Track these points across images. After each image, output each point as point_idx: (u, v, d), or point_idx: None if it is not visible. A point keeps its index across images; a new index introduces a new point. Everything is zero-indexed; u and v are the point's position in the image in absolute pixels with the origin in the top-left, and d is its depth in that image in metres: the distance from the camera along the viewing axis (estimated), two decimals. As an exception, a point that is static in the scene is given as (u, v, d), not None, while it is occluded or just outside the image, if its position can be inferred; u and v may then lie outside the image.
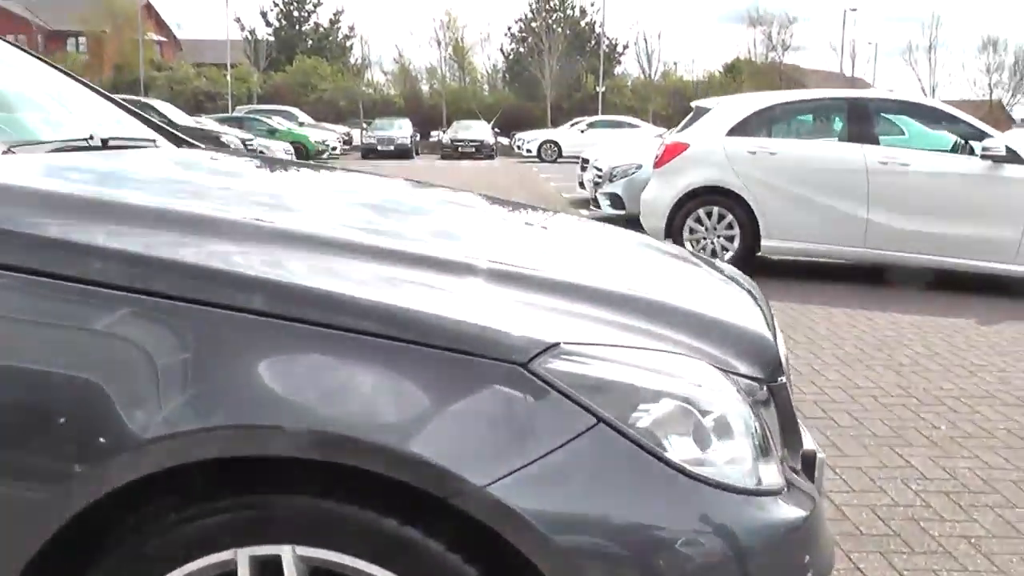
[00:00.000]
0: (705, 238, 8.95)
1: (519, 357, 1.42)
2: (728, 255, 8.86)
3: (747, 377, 1.67)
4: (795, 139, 8.99)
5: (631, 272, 2.20)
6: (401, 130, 37.94)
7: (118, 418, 1.34)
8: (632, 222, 12.22)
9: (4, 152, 1.91)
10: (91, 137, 2.30)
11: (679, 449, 1.47)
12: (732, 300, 2.13)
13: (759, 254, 8.88)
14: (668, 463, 1.44)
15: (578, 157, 31.25)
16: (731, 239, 8.86)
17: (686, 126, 9.43)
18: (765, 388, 1.74)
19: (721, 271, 2.53)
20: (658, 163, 9.31)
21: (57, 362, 1.38)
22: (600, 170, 13.56)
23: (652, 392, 1.49)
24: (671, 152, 9.15)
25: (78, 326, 1.40)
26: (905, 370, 5.59)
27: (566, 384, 1.42)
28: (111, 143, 2.37)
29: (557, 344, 1.45)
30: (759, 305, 2.27)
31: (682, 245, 8.97)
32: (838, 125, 9.13)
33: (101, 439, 1.34)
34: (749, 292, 2.36)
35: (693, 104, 9.91)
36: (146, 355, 1.37)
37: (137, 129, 2.87)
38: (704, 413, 1.53)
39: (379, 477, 1.36)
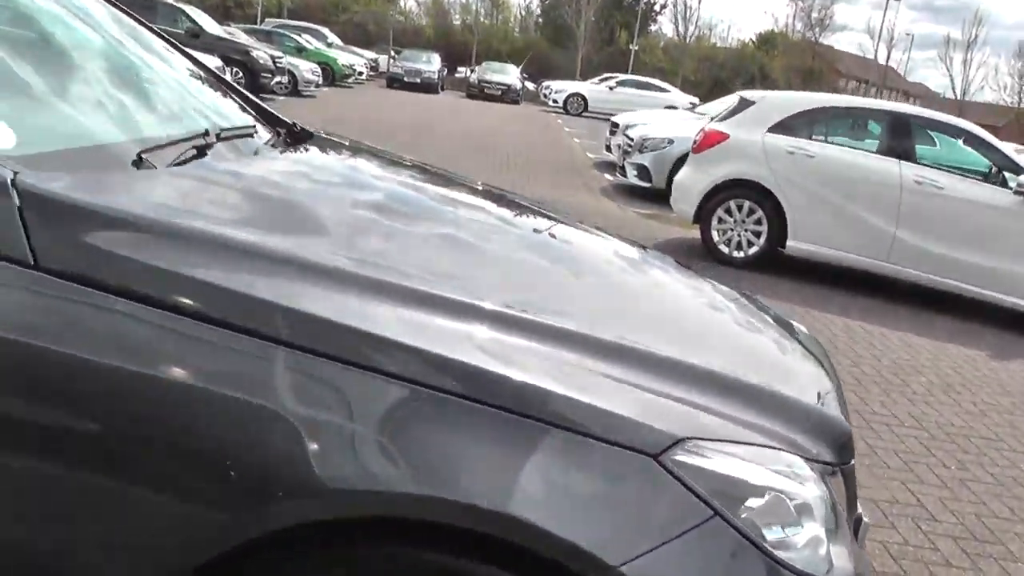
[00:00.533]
0: (732, 229, 9.01)
1: (651, 449, 1.53)
2: (753, 249, 8.95)
3: (825, 463, 1.79)
4: (835, 145, 9.00)
5: (713, 340, 2.28)
6: (430, 64, 37.79)
7: (299, 466, 1.45)
8: (658, 195, 12.35)
9: (135, 161, 1.93)
10: (207, 133, 2.32)
11: (771, 537, 1.59)
12: (808, 374, 2.24)
13: (784, 252, 8.95)
14: (767, 553, 1.56)
15: (603, 114, 31.56)
16: (758, 234, 8.93)
17: (728, 115, 9.45)
18: (838, 470, 1.86)
19: (788, 330, 2.62)
20: (696, 149, 9.36)
21: (247, 406, 1.48)
22: (631, 139, 13.57)
23: (760, 487, 1.61)
24: (710, 140, 9.19)
25: (267, 377, 1.49)
26: (918, 400, 5.71)
27: (688, 477, 1.53)
28: (223, 135, 2.40)
29: (685, 439, 1.57)
30: (828, 374, 2.38)
31: (709, 233, 9.08)
32: (879, 136, 9.15)
33: (281, 482, 1.45)
34: (817, 359, 2.46)
35: (738, 94, 9.95)
36: (319, 413, 1.47)
37: (230, 106, 2.89)
38: (792, 500, 1.65)
39: (515, 546, 1.47)
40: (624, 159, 13.66)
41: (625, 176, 13.51)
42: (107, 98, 2.35)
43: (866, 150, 9.03)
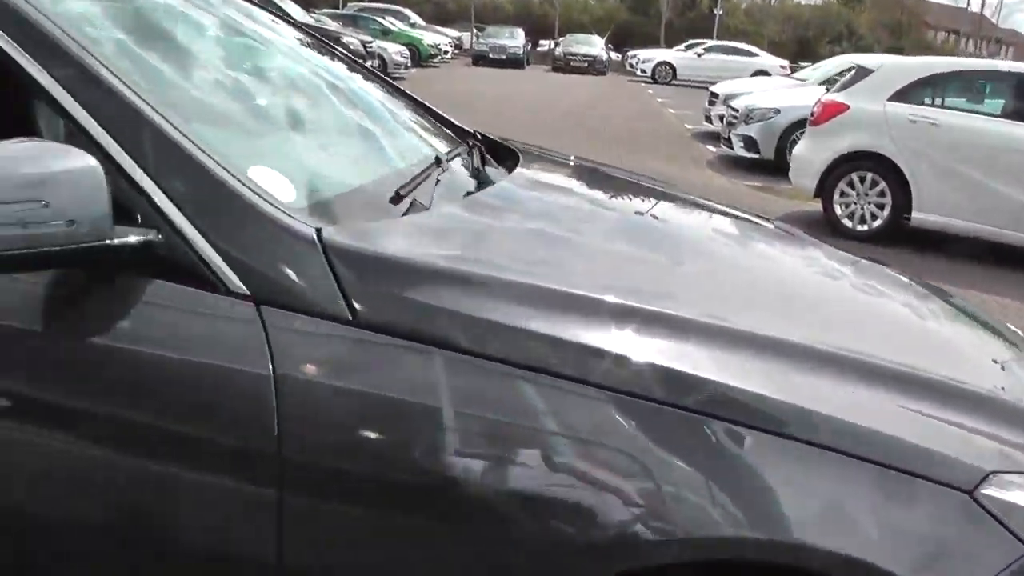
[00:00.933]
0: (855, 203, 8.87)
1: (965, 485, 1.53)
2: (876, 223, 8.79)
3: None
4: (959, 111, 8.77)
5: (919, 340, 2.26)
6: (514, 39, 37.84)
7: (647, 511, 1.47)
8: (766, 167, 12.22)
9: (393, 198, 1.91)
10: (439, 161, 2.29)
11: None
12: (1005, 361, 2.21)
13: (909, 224, 8.77)
14: None
15: (692, 82, 31.24)
16: (881, 207, 8.77)
17: (846, 85, 9.29)
18: None
19: (1000, 331, 2.58)
20: (815, 121, 9.21)
21: (592, 453, 1.50)
22: (736, 110, 13.42)
23: None
24: (829, 112, 9.04)
25: (609, 427, 1.50)
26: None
27: (999, 511, 1.53)
28: (447, 159, 2.39)
29: (994, 472, 1.56)
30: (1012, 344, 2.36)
31: (831, 207, 8.94)
32: (1005, 99, 8.89)
33: (629, 528, 1.48)
34: (992, 329, 2.43)
35: (854, 62, 9.78)
36: (665, 459, 1.49)
37: (419, 120, 2.84)
38: None
39: None
40: (729, 130, 13.52)
41: (731, 148, 13.37)
42: (340, 132, 2.38)
43: (992, 114, 8.78)
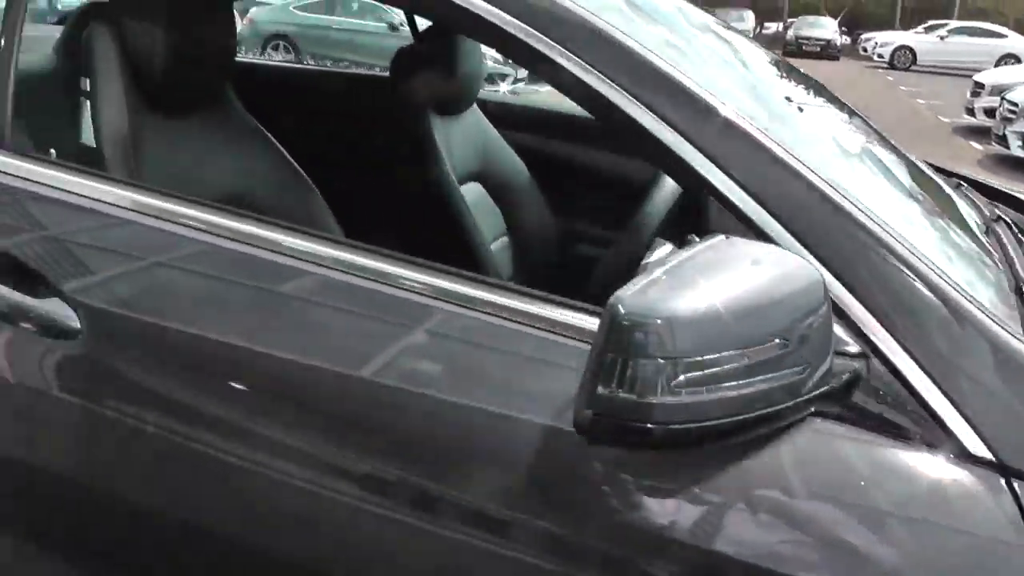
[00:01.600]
0: None
1: None
2: None
3: None
4: None
5: None
6: (743, 22, 37.41)
7: None
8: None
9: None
10: (1008, 225, 1.83)
11: None
12: None
13: None
14: None
15: (934, 68, 29.48)
16: None
17: None
18: None
19: None
20: None
21: None
22: (1015, 104, 12.38)
23: None
24: None
25: None
26: None
27: None
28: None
29: None
30: None
31: None
32: None
33: None
34: None
35: None
36: None
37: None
38: None
39: None
40: (1005, 127, 12.54)
41: (1006, 146, 12.41)
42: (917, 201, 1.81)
43: None
